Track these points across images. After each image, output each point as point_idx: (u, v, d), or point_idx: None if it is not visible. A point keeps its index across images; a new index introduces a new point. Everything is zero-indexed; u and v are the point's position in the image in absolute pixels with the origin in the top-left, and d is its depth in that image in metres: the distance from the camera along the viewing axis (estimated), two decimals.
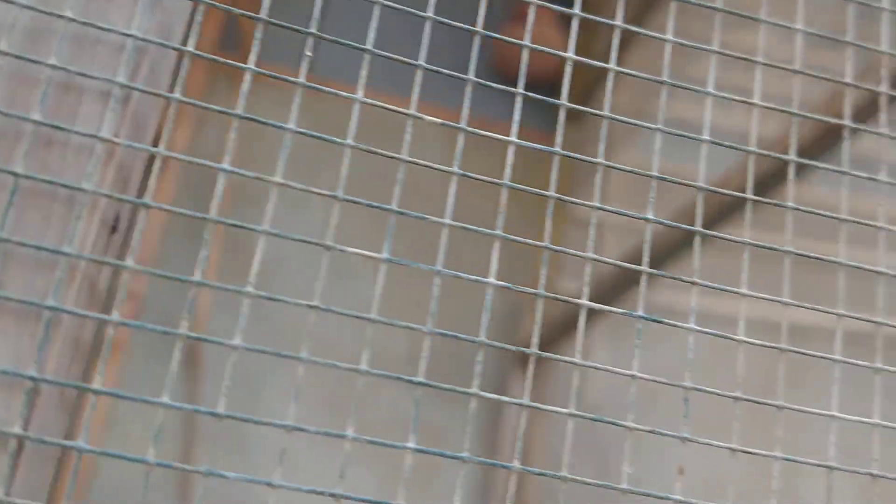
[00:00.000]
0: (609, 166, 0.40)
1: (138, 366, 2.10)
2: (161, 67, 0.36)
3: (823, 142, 1.28)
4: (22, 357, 0.30)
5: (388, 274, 2.19)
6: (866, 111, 1.20)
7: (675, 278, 0.39)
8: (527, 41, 0.43)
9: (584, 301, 0.39)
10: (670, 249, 1.66)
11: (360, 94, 0.37)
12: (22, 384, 0.30)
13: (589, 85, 2.32)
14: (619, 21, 0.43)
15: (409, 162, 0.36)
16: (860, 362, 0.42)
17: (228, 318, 2.18)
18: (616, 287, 1.81)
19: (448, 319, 2.18)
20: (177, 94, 0.34)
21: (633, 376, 0.40)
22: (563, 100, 0.41)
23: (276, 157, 2.21)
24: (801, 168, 1.31)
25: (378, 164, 2.24)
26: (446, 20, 0.48)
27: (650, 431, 0.36)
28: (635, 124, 0.42)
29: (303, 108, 2.19)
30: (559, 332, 2.00)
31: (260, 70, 0.35)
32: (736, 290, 0.40)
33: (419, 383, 0.34)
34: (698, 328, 0.41)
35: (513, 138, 0.40)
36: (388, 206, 0.35)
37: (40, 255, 0.31)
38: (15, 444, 0.29)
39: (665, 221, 0.43)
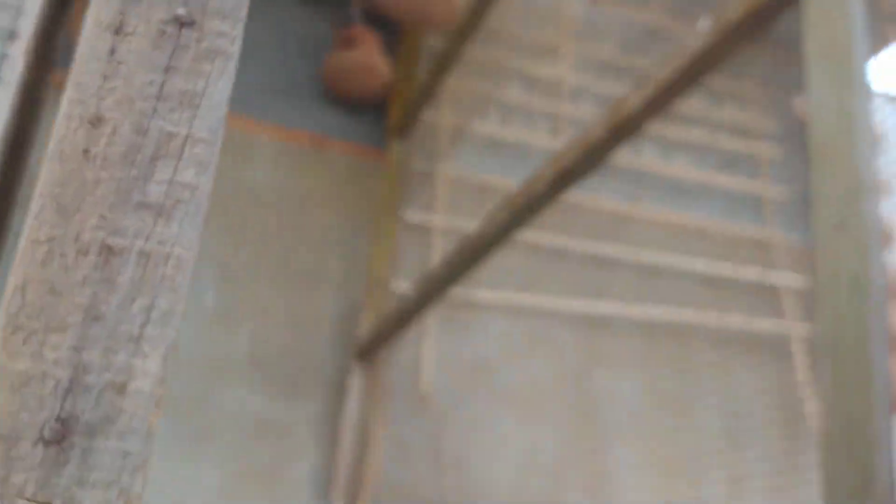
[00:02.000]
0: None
1: None
2: None
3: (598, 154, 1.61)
4: None
5: (226, 280, 2.36)
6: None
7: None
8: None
9: None
10: (485, 249, 1.95)
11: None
12: None
13: (413, 104, 2.62)
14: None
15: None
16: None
17: None
18: (442, 283, 2.09)
19: (290, 321, 2.37)
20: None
21: None
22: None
23: None
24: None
25: (220, 180, 2.42)
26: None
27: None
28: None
29: None
30: (393, 326, 2.24)
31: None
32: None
33: None
34: None
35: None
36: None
37: None
38: None
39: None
